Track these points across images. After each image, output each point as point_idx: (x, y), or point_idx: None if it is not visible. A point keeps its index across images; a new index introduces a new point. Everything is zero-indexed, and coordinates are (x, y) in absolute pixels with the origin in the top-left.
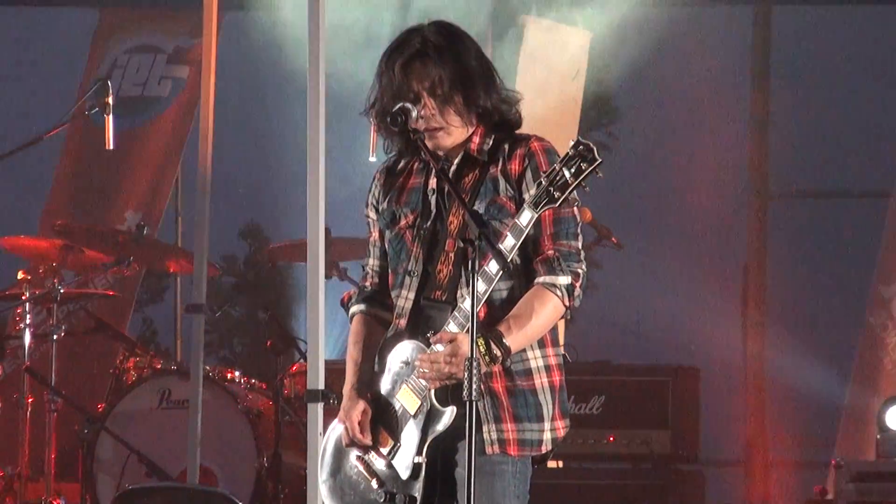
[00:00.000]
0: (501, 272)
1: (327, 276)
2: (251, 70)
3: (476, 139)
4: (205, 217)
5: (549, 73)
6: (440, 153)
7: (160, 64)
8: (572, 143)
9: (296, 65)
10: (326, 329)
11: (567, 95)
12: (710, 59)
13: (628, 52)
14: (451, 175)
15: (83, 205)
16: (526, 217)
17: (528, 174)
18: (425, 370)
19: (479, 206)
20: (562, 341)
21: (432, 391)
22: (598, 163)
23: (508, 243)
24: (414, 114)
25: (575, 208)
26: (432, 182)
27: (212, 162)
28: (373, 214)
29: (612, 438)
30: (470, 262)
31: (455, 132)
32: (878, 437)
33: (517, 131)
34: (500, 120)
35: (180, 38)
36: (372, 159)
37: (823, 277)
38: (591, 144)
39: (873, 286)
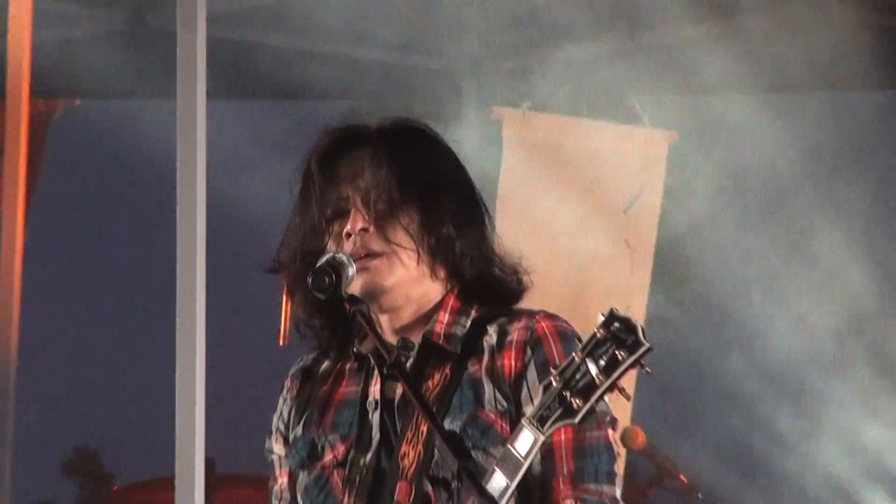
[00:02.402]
0: None
1: None
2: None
3: (443, 316)
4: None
5: (563, 196)
6: (386, 331)
7: None
8: (602, 318)
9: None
10: None
11: (613, 236)
12: None
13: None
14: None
15: None
16: (526, 441)
17: (531, 373)
18: None
19: (451, 426)
20: None
21: None
22: (643, 350)
23: (499, 483)
24: (350, 271)
25: (610, 430)
26: (374, 390)
27: (17, 350)
28: (279, 447)
29: None
30: None
31: (401, 269)
32: None
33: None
34: (486, 285)
35: None
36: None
37: None
38: (633, 320)
39: None
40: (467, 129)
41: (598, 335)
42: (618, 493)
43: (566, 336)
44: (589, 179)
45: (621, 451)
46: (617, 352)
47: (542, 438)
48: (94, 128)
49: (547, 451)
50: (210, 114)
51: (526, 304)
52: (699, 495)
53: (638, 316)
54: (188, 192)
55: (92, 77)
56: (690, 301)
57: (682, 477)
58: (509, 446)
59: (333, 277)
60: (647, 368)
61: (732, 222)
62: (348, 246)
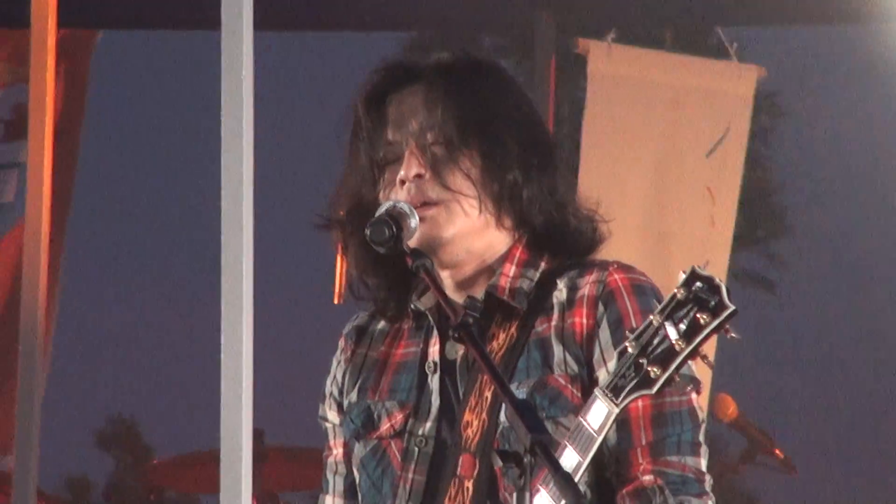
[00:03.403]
0: None
1: None
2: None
3: (508, 268)
4: (32, 409)
5: (644, 139)
6: (446, 283)
7: None
8: (683, 275)
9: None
10: None
11: (693, 181)
12: None
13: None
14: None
15: None
16: (600, 413)
17: (604, 333)
18: None
19: (517, 393)
20: None
21: None
22: (727, 314)
23: (570, 460)
24: (413, 222)
25: (693, 395)
26: (433, 351)
27: (48, 313)
28: (333, 415)
29: None
30: (514, 497)
31: (462, 219)
32: None
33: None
34: (558, 235)
35: (17, 89)
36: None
37: None
38: (716, 280)
39: None
40: (541, 62)
41: (678, 296)
42: (703, 464)
43: (642, 289)
44: (671, 119)
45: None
46: (699, 315)
47: (616, 411)
48: (132, 61)
49: (622, 420)
50: (258, 46)
51: (602, 254)
52: (797, 471)
53: (719, 272)
54: (233, 139)
55: (125, 5)
56: (787, 256)
57: (778, 451)
58: (581, 419)
59: (394, 229)
60: (732, 334)
61: (834, 169)
62: (402, 194)
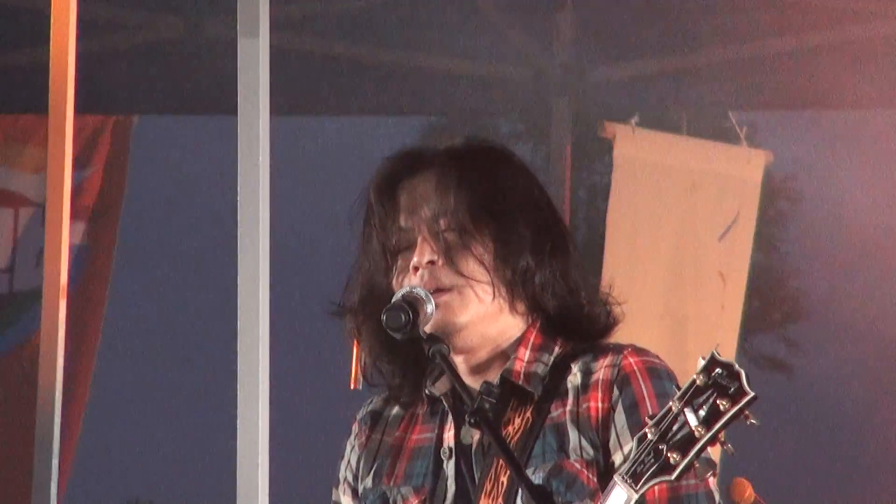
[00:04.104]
0: None
1: None
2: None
3: (523, 352)
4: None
5: (664, 222)
6: (463, 372)
7: (30, 226)
8: (702, 361)
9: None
10: None
11: (707, 265)
12: None
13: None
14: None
15: None
16: (619, 499)
17: (620, 417)
18: None
19: (534, 478)
20: None
21: None
22: (747, 400)
23: None
24: (429, 308)
25: (710, 479)
26: (449, 437)
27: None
28: (347, 500)
29: None
30: None
31: (475, 305)
32: None
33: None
34: (571, 319)
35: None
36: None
37: None
38: (736, 366)
39: None
40: (558, 147)
41: (698, 382)
42: None
43: (657, 373)
44: (688, 203)
45: None
46: (718, 401)
47: (635, 497)
48: (150, 145)
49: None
50: (274, 131)
51: (619, 338)
52: None
53: (728, 354)
54: (250, 224)
55: (144, 91)
56: (804, 340)
57: None
58: None
59: (410, 315)
60: (751, 420)
61: (848, 254)
62: (416, 280)
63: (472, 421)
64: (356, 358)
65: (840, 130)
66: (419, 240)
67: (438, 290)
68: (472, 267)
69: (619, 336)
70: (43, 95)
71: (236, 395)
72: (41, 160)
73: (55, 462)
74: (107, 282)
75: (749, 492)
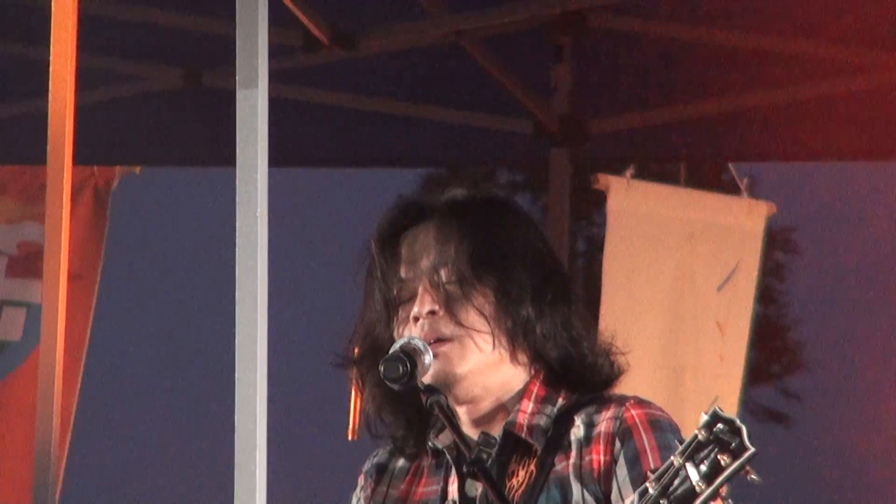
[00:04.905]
0: None
1: None
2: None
3: (526, 405)
4: None
5: (661, 273)
6: (463, 422)
7: None
8: (704, 416)
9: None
10: None
11: (706, 316)
12: None
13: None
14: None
15: None
16: None
17: (622, 470)
18: None
19: None
20: None
21: None
22: (748, 455)
23: None
24: (427, 359)
25: None
26: (452, 490)
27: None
28: None
29: None
30: None
31: (476, 355)
32: None
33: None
34: (574, 370)
35: (26, 223)
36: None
37: None
38: (737, 422)
39: None
40: (556, 197)
41: (700, 437)
42: None
43: (659, 425)
44: (686, 254)
45: None
46: (720, 456)
47: None
48: (143, 199)
49: None
50: (272, 182)
51: (619, 389)
52: None
53: (729, 407)
54: (248, 275)
55: (143, 142)
56: (803, 392)
57: None
58: None
59: (408, 366)
60: (752, 476)
61: (849, 304)
62: (416, 331)
63: (471, 472)
64: (355, 408)
65: (845, 182)
66: (420, 290)
67: (439, 341)
68: (472, 317)
69: (619, 387)
70: (20, 146)
71: (233, 450)
72: (14, 212)
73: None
74: (83, 343)
75: None
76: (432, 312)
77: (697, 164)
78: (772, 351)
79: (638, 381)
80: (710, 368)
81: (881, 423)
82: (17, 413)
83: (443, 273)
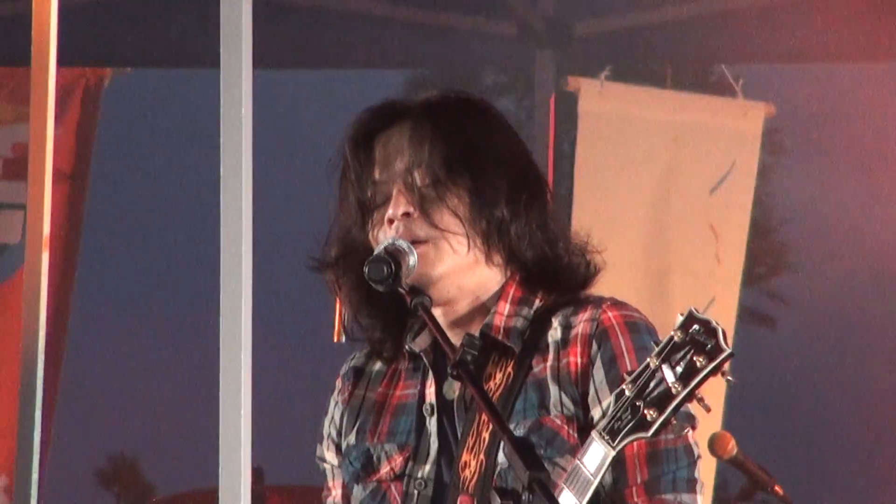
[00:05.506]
0: None
1: None
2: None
3: (503, 306)
4: (31, 447)
5: (641, 176)
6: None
7: None
8: (680, 317)
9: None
10: None
11: (696, 218)
12: None
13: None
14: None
15: None
16: (596, 456)
17: (598, 372)
18: None
19: (515, 433)
20: None
21: None
22: (723, 357)
23: (568, 502)
24: (412, 260)
25: (689, 434)
26: (430, 393)
27: (56, 354)
28: (331, 456)
29: None
30: None
31: (450, 257)
32: None
33: (584, 292)
34: (550, 271)
35: (19, 124)
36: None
37: None
38: (713, 323)
39: None
40: (541, 99)
41: (676, 338)
42: (699, 500)
43: (636, 327)
44: (671, 157)
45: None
46: (695, 358)
47: (612, 454)
48: (133, 99)
49: (618, 459)
50: (258, 84)
51: (599, 291)
52: None
53: (728, 310)
54: (232, 178)
55: (127, 44)
56: (788, 293)
57: (778, 488)
58: (578, 461)
59: (393, 267)
60: (728, 377)
61: (834, 204)
62: (391, 233)
63: (455, 373)
64: (339, 311)
65: (833, 85)
66: (394, 192)
67: (414, 243)
68: (446, 219)
69: (600, 290)
70: (11, 47)
71: (218, 347)
72: (8, 113)
73: (38, 415)
74: (77, 245)
75: (731, 444)
76: (407, 214)
77: (684, 65)
78: (757, 253)
79: (620, 283)
80: (702, 271)
81: (866, 323)
82: (18, 316)
83: (417, 175)
